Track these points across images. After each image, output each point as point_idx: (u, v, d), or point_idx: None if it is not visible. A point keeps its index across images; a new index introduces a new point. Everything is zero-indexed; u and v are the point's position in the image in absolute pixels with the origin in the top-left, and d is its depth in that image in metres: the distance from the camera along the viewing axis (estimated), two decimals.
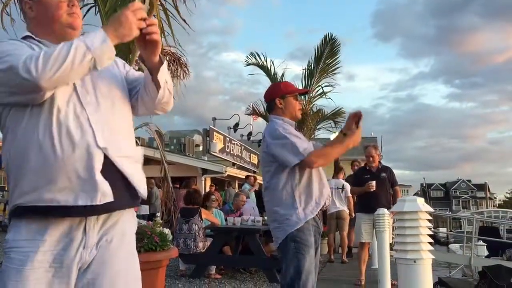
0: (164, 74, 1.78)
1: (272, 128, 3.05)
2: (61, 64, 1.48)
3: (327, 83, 13.30)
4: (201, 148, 17.40)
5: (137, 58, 4.28)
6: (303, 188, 2.94)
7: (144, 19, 1.63)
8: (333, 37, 13.02)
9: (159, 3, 4.25)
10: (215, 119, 18.96)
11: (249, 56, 13.86)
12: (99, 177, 1.58)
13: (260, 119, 15.84)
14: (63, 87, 1.59)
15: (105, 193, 1.59)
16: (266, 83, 14.09)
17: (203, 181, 14.86)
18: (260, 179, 14.53)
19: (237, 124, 18.99)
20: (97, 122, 1.63)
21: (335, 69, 13.23)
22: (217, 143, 15.18)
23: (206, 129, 15.19)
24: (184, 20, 4.51)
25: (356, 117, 2.99)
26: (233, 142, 17.25)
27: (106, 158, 1.61)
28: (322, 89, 13.14)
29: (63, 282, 1.58)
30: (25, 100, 1.56)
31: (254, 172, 18.30)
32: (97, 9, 4.46)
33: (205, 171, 14.94)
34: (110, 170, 1.62)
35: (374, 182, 5.98)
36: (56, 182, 1.54)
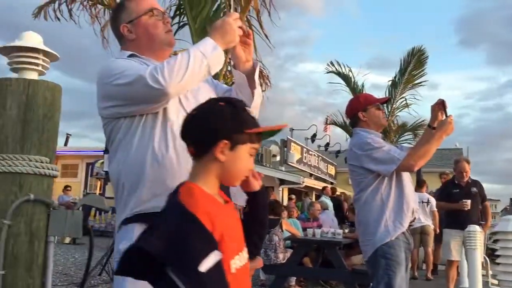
0: (257, 76, 1.87)
1: (359, 140, 3.01)
2: (184, 72, 1.59)
3: (411, 94, 12.95)
4: (278, 158, 17.50)
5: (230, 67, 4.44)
6: (393, 200, 2.87)
7: (240, 27, 1.75)
8: (421, 48, 12.69)
9: (245, 19, 4.38)
10: (293, 129, 19.01)
11: (329, 65, 13.84)
12: None
13: (338, 129, 15.70)
14: (171, 100, 1.67)
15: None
16: (345, 93, 13.96)
17: (281, 192, 14.92)
18: (339, 191, 14.35)
19: (314, 135, 18.91)
20: None
21: (420, 81, 12.87)
22: (295, 154, 15.20)
23: (284, 139, 15.27)
24: (266, 36, 4.61)
25: (440, 107, 2.92)
26: (310, 152, 17.19)
27: None
28: (406, 101, 12.80)
29: None
30: (147, 109, 1.66)
31: (332, 183, 18.09)
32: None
33: (282, 182, 15.00)
34: None
35: (469, 201, 5.70)
36: None
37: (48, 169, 2.10)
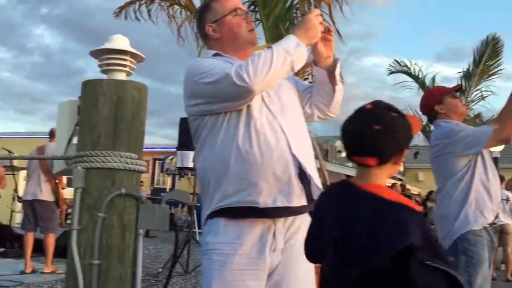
0: (338, 72, 1.89)
1: (443, 130, 2.94)
2: (268, 69, 1.63)
3: (486, 86, 12.27)
4: (343, 154, 17.23)
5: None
6: (476, 190, 2.76)
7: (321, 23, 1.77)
8: (495, 37, 12.00)
9: None
10: None
11: (391, 65, 13.41)
12: (295, 181, 1.68)
13: None
14: (255, 97, 1.71)
15: (300, 196, 1.69)
16: (413, 87, 13.48)
17: None
18: (408, 187, 13.92)
19: None
20: (287, 129, 1.73)
21: (496, 71, 12.16)
22: None
23: None
24: (338, 31, 4.55)
25: None
26: None
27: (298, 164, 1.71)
28: (481, 93, 12.15)
29: (257, 284, 1.69)
30: (232, 106, 1.71)
31: (400, 179, 17.61)
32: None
33: (349, 178, 14.76)
34: (301, 175, 1.71)
35: None
36: (257, 185, 1.65)
37: (137, 165, 2.20)
